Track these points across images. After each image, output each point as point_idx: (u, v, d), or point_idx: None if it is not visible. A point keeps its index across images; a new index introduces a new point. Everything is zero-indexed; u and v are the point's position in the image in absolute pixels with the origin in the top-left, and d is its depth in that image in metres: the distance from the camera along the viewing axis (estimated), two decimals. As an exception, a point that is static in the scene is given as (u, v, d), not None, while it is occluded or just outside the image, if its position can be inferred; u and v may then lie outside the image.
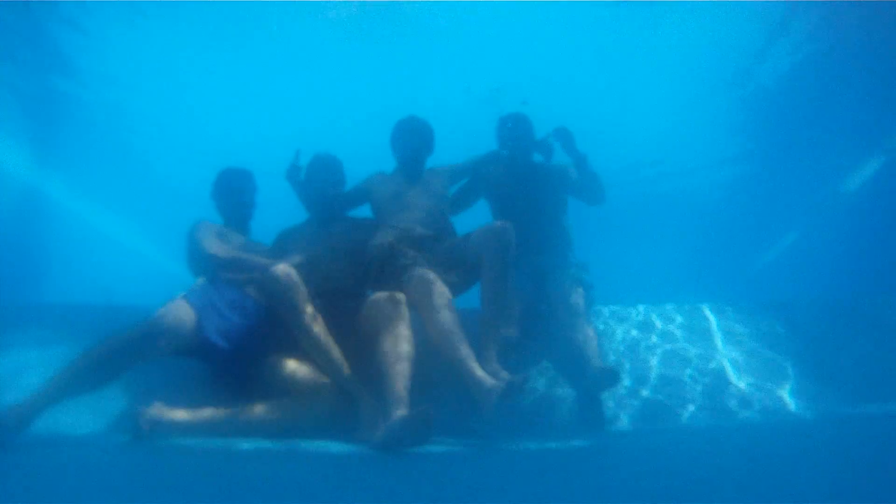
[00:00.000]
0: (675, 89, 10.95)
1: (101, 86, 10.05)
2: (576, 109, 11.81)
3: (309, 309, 2.75)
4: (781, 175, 12.15)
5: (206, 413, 2.60)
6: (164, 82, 10.65)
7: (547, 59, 10.70)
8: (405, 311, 2.77)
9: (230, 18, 9.24)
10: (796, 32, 8.51)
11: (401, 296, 2.83)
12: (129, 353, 2.48)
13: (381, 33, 10.09)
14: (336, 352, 2.77)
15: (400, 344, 2.67)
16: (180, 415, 2.57)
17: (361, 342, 2.91)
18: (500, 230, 2.90)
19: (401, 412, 2.42)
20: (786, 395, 3.23)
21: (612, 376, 2.85)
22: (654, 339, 3.59)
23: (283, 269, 2.73)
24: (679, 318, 3.75)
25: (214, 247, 2.96)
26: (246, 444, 2.41)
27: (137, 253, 17.96)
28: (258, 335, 2.85)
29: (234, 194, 3.27)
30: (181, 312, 2.61)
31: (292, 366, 2.77)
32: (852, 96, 8.96)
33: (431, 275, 2.90)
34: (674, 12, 9.18)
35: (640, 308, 3.83)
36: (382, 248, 3.14)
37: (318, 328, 2.76)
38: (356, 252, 3.23)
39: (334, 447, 2.44)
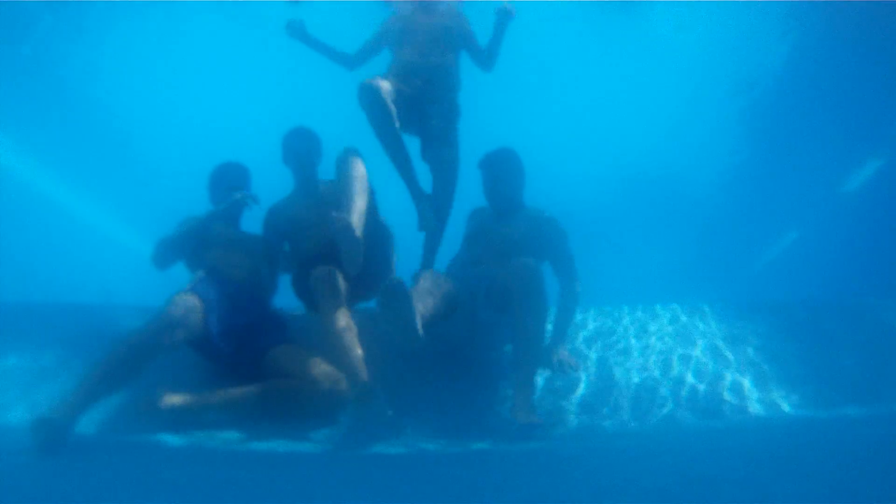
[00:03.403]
0: (673, 90, 10.94)
1: (94, 79, 9.98)
2: (573, 108, 11.83)
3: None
4: (781, 175, 12.15)
5: (201, 397, 2.67)
6: (161, 78, 10.61)
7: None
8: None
9: (229, 14, 9.23)
10: (796, 32, 8.51)
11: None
12: (149, 346, 2.55)
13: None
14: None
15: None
16: (178, 399, 2.63)
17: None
18: None
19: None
20: (784, 396, 3.22)
21: (534, 432, 2.56)
22: (648, 339, 3.56)
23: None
24: (674, 319, 3.72)
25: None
26: (244, 446, 2.43)
27: (135, 251, 17.88)
28: (256, 332, 2.92)
29: (223, 189, 3.29)
30: (191, 303, 2.69)
31: (291, 356, 2.82)
32: (852, 96, 8.96)
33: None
34: (674, 12, 9.17)
35: (628, 309, 3.77)
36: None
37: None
38: None
39: (332, 447, 2.44)
